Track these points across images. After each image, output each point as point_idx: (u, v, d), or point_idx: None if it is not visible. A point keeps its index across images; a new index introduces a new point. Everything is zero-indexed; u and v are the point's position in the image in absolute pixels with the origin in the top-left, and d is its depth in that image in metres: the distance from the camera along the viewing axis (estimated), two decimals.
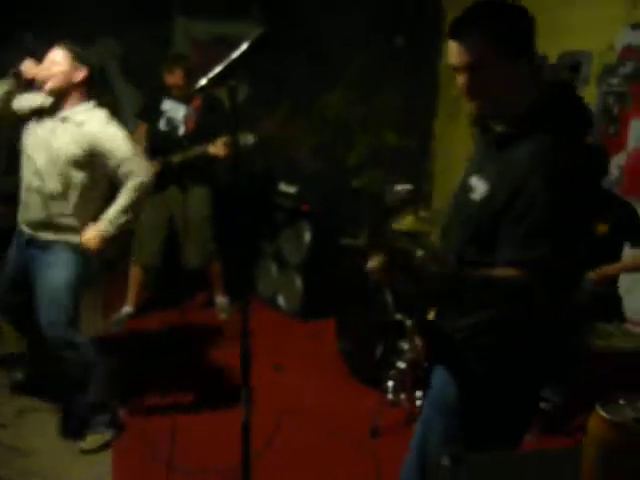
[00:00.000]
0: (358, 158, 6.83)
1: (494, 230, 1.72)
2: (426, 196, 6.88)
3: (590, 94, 5.11)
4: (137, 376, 3.91)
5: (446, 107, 6.90)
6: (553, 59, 5.45)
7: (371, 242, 1.84)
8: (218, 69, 1.93)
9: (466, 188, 1.86)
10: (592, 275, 3.76)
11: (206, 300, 5.12)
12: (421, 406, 1.99)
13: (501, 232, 1.71)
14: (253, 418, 2.15)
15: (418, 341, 2.05)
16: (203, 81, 1.97)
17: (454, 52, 1.71)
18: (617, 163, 4.89)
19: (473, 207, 1.81)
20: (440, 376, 1.94)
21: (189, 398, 3.73)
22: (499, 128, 1.80)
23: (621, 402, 1.28)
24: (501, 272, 1.67)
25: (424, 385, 1.96)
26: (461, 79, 1.73)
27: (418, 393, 3.40)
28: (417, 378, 3.37)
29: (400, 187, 4.15)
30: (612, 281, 3.95)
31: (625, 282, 4.57)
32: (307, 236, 4.84)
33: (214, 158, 4.32)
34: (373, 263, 1.64)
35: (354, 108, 6.71)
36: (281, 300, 5.09)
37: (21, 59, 5.48)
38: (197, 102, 4.61)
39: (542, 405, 3.57)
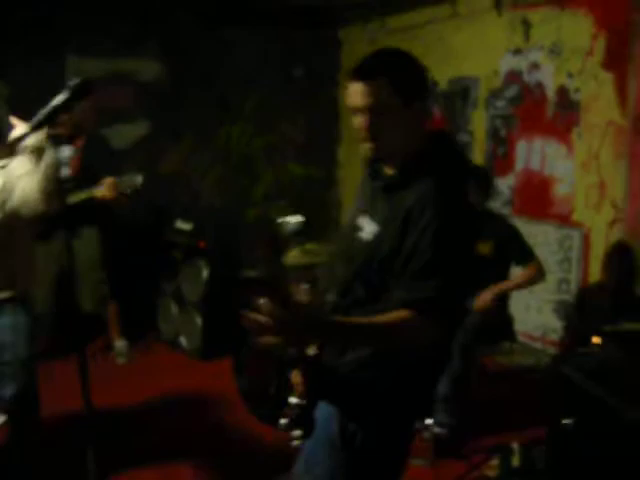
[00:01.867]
0: (264, 190, 6.83)
1: (382, 270, 1.76)
2: (334, 224, 6.91)
3: (479, 117, 5.24)
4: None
5: (349, 133, 6.97)
6: (444, 85, 5.58)
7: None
8: (39, 117, 1.86)
9: (354, 227, 1.91)
10: (477, 302, 3.81)
11: (105, 344, 4.98)
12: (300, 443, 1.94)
13: (391, 272, 1.74)
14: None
15: (296, 377, 1.98)
16: (22, 130, 1.89)
17: (357, 93, 1.74)
18: (507, 184, 5.01)
19: (361, 246, 1.85)
20: (323, 411, 1.91)
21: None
22: (390, 171, 1.86)
23: None
24: (390, 316, 1.68)
25: (303, 422, 1.91)
26: (359, 120, 1.77)
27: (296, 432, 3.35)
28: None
29: (291, 219, 4.13)
30: (502, 301, 4.01)
31: (524, 299, 4.67)
32: (204, 273, 4.77)
33: (102, 201, 4.21)
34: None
35: (255, 140, 6.72)
36: (183, 340, 4.99)
37: None
38: (80, 142, 4.49)
39: (436, 429, 3.58)
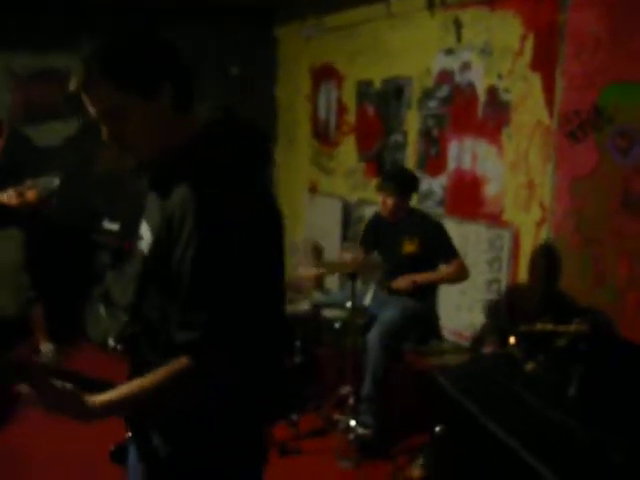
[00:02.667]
0: None
1: (162, 287, 1.48)
2: None
3: (413, 117, 5.24)
4: None
5: (285, 133, 6.93)
6: (378, 84, 5.57)
7: None
8: None
9: (138, 236, 1.62)
10: (396, 283, 3.83)
11: (31, 348, 4.83)
12: None
13: (168, 292, 1.45)
14: None
15: None
16: None
17: (86, 102, 1.49)
18: (440, 184, 5.02)
19: (141, 258, 1.57)
20: (132, 462, 1.69)
21: None
22: (154, 175, 1.55)
23: None
24: (163, 371, 1.41)
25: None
26: (103, 129, 1.51)
27: None
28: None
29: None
30: (429, 301, 4.02)
31: (454, 298, 4.69)
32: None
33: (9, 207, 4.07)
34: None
35: None
36: (111, 342, 4.86)
37: None
38: (1, 141, 4.35)
39: (360, 430, 3.56)
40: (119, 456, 1.67)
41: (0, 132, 4.36)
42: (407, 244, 3.92)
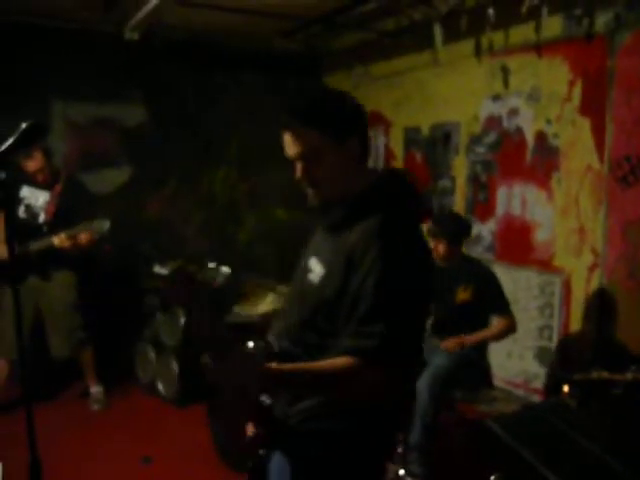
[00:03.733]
0: (248, 235, 6.81)
1: (331, 314, 1.71)
2: None
3: (460, 163, 5.24)
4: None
5: None
6: (426, 130, 5.60)
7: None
8: None
9: (305, 270, 1.86)
10: (444, 344, 3.77)
11: (81, 391, 4.89)
12: None
13: (338, 317, 1.69)
14: None
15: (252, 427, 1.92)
16: None
17: (288, 143, 1.75)
18: (488, 229, 4.99)
19: (311, 289, 1.80)
20: (276, 462, 1.86)
21: None
22: (335, 212, 1.81)
23: None
24: (335, 363, 1.64)
25: (257, 472, 1.87)
26: (298, 169, 1.77)
27: None
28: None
29: (220, 270, 4.17)
30: (480, 348, 3.96)
31: (505, 345, 4.61)
32: (182, 319, 4.70)
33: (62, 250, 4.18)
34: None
35: (240, 185, 6.73)
36: (160, 386, 4.90)
37: None
38: (58, 187, 4.47)
39: None
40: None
41: (57, 179, 4.49)
42: (461, 292, 3.85)
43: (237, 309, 4.82)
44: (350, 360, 1.62)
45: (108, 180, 6.20)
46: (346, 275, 1.68)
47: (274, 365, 1.64)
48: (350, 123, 1.76)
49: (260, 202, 6.82)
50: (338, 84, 6.79)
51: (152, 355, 5.00)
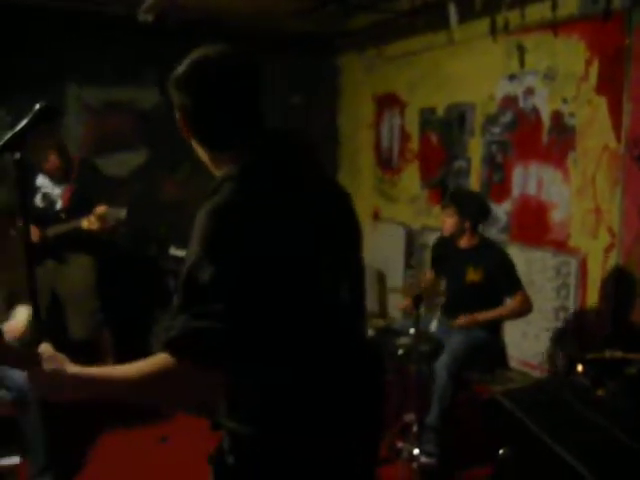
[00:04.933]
0: None
1: None
2: None
3: (476, 144, 5.21)
4: None
5: (348, 161, 6.98)
6: (441, 111, 5.57)
7: None
8: (1, 142, 1.84)
9: None
10: (457, 321, 3.78)
11: None
12: None
13: None
14: None
15: None
16: None
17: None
18: (504, 210, 4.96)
19: None
20: None
21: None
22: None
23: None
24: (145, 363, 1.44)
25: None
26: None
27: None
28: None
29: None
30: (496, 329, 3.96)
31: (521, 326, 4.60)
32: None
33: (89, 231, 4.23)
34: None
35: None
36: None
37: None
38: (74, 175, 4.52)
39: (423, 459, 3.51)
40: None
41: (72, 167, 4.53)
42: (471, 272, 3.86)
43: None
44: (161, 357, 1.41)
45: (124, 163, 6.23)
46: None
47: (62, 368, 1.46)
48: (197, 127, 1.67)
49: None
50: (351, 65, 6.77)
51: None
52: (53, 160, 4.40)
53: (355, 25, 6.20)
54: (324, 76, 6.78)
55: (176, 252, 4.98)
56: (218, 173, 1.65)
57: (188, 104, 1.62)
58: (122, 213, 4.13)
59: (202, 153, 1.71)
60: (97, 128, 6.08)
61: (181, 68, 1.65)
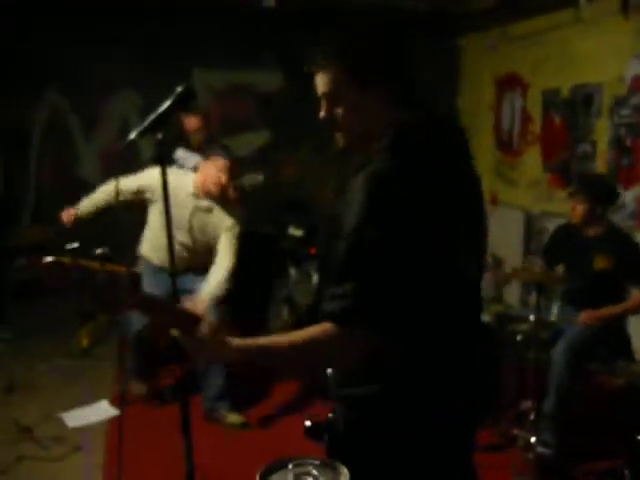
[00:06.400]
0: None
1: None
2: None
3: (602, 126, 5.01)
4: None
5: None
6: (566, 92, 5.38)
7: None
8: (146, 123, 1.95)
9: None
10: (582, 317, 3.65)
11: None
12: None
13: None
14: None
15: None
16: (132, 135, 1.99)
17: (317, 83, 1.68)
18: (633, 195, 4.75)
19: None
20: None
21: None
22: (353, 160, 1.66)
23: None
24: (311, 330, 1.49)
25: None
26: (324, 105, 1.68)
27: None
28: None
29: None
30: (620, 318, 3.82)
31: None
32: (314, 279, 4.84)
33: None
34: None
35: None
36: None
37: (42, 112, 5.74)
38: (209, 151, 4.68)
39: (540, 449, 3.45)
40: (314, 433, 1.71)
41: (208, 145, 4.71)
42: (600, 260, 3.69)
43: None
44: (325, 326, 1.47)
45: (246, 143, 6.42)
46: (337, 231, 1.52)
47: (236, 340, 1.50)
48: (379, 68, 1.59)
49: None
50: (473, 46, 6.65)
51: (286, 314, 5.18)
52: (198, 119, 4.59)
53: (480, 5, 6.07)
54: (445, 57, 6.68)
55: (295, 232, 5.09)
56: (361, 152, 1.65)
57: (359, 70, 1.60)
58: (259, 178, 4.27)
59: (351, 129, 1.65)
60: (221, 110, 6.29)
61: (341, 40, 1.65)
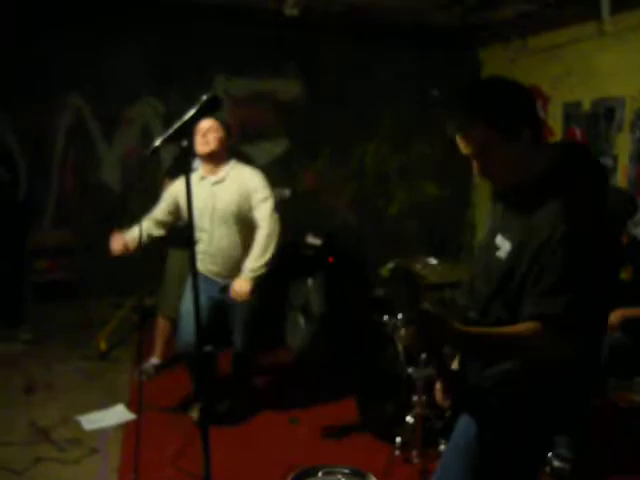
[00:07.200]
0: (398, 209, 6.85)
1: (519, 288, 1.80)
2: (468, 246, 6.81)
3: (624, 140, 5.00)
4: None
5: None
6: (587, 105, 5.37)
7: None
8: (171, 130, 1.98)
9: (491, 247, 1.95)
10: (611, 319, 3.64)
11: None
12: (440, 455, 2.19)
13: (525, 290, 1.78)
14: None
15: (438, 387, 2.20)
16: (158, 142, 2.02)
17: (460, 145, 1.81)
18: None
19: (499, 264, 1.88)
20: (463, 421, 2.02)
21: None
22: (517, 195, 1.88)
23: None
24: (517, 328, 1.75)
25: (445, 432, 2.07)
26: (474, 166, 1.83)
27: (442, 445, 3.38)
28: (427, 433, 3.39)
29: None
30: (637, 334, 3.79)
31: None
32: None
33: None
34: (407, 335, 1.80)
35: (390, 159, 6.77)
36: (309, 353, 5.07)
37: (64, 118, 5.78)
38: None
39: (556, 463, 3.43)
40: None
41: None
42: (620, 270, 3.71)
43: None
44: (533, 324, 1.71)
45: (265, 152, 6.45)
46: (536, 252, 1.74)
47: (460, 326, 1.78)
48: (520, 115, 1.78)
49: (410, 176, 6.83)
50: (493, 58, 6.64)
51: (302, 322, 5.17)
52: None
53: (500, 17, 6.07)
54: (465, 69, 6.69)
55: (313, 240, 5.10)
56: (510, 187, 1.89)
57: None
58: (286, 192, 4.27)
59: (510, 160, 1.81)
60: (241, 118, 6.33)
61: (479, 100, 1.80)
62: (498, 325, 1.83)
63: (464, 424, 2.01)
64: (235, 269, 3.73)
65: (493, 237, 1.97)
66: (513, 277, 1.81)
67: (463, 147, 1.81)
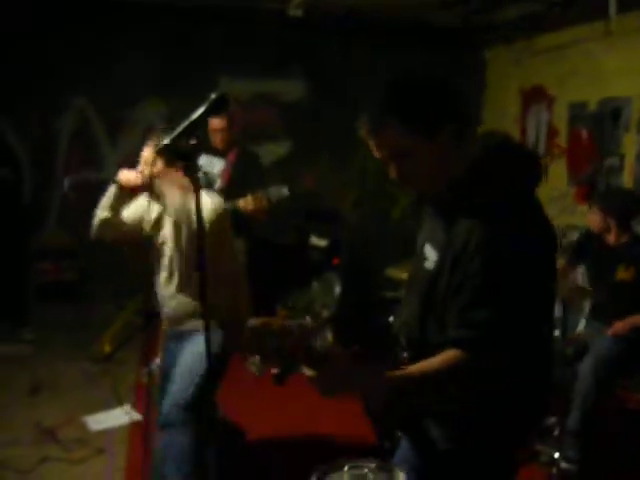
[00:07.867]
0: (401, 211, 6.83)
1: (443, 300, 1.62)
2: None
3: (630, 140, 4.98)
4: None
5: None
6: (593, 106, 5.36)
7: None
8: (180, 129, 1.98)
9: (421, 258, 1.78)
10: (612, 329, 3.61)
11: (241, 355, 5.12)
12: None
13: (448, 304, 1.61)
14: None
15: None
16: (166, 141, 2.01)
17: (375, 147, 1.64)
18: None
19: (427, 276, 1.70)
20: (402, 452, 1.81)
21: None
22: (438, 200, 1.71)
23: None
24: (438, 360, 1.54)
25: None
26: (390, 168, 1.65)
27: None
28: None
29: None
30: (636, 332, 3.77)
31: None
32: (337, 290, 4.83)
33: (245, 212, 4.37)
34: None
35: None
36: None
37: (68, 118, 5.78)
38: (232, 156, 4.67)
39: (563, 465, 3.42)
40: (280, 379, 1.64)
41: (232, 149, 4.71)
42: (621, 271, 3.69)
43: None
44: (454, 353, 1.52)
45: (268, 153, 6.44)
46: (453, 265, 1.59)
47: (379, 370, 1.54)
48: (438, 112, 1.59)
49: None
50: (498, 58, 6.63)
51: (309, 322, 5.16)
52: (223, 120, 4.57)
53: (504, 17, 6.07)
54: (469, 69, 6.67)
55: (318, 242, 5.09)
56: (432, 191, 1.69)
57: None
58: (284, 191, 4.23)
59: (431, 162, 1.62)
60: (244, 118, 6.31)
61: (395, 97, 1.64)
62: (430, 344, 1.63)
63: (402, 456, 1.78)
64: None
65: (422, 246, 1.79)
66: (439, 290, 1.62)
67: (377, 149, 1.63)
